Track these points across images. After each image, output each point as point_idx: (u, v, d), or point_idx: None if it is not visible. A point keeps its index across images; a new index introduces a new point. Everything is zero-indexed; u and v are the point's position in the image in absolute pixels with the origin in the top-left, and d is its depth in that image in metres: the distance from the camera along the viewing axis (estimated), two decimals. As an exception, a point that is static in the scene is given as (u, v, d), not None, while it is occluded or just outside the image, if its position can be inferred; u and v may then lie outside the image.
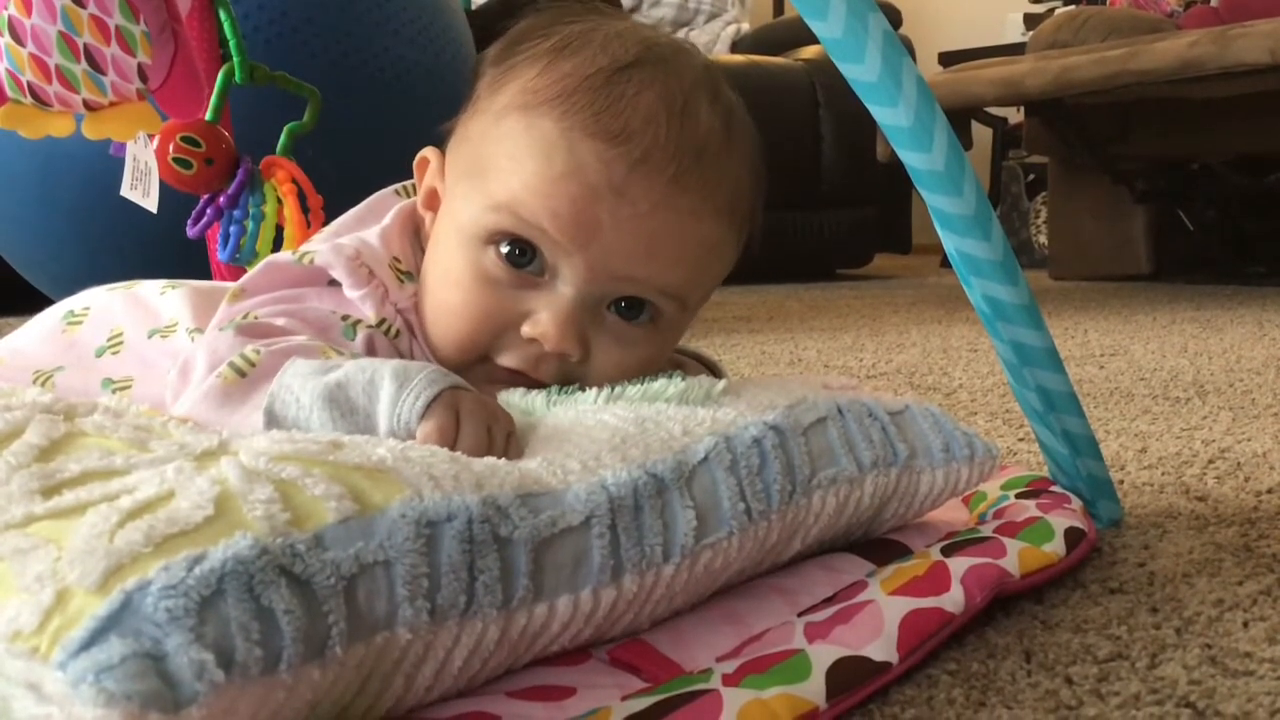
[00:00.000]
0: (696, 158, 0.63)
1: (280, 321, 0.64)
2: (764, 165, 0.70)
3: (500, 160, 0.64)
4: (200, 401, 0.60)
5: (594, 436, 0.54)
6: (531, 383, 0.65)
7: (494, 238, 0.64)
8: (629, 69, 0.63)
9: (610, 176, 0.61)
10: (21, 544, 0.40)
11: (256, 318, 0.65)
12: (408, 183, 0.75)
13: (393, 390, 0.55)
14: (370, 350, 0.65)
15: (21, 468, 0.45)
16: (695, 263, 0.66)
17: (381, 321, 0.66)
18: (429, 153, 0.71)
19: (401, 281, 0.68)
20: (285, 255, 0.70)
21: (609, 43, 0.64)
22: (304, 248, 0.69)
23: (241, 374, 0.59)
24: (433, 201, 0.70)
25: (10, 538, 0.40)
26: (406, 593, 0.42)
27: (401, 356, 0.67)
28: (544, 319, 0.63)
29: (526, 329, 0.64)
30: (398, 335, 0.67)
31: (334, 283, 0.67)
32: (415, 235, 0.72)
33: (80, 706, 0.34)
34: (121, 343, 0.77)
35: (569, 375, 0.65)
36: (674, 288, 0.65)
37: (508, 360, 0.65)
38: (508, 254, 0.63)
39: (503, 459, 0.51)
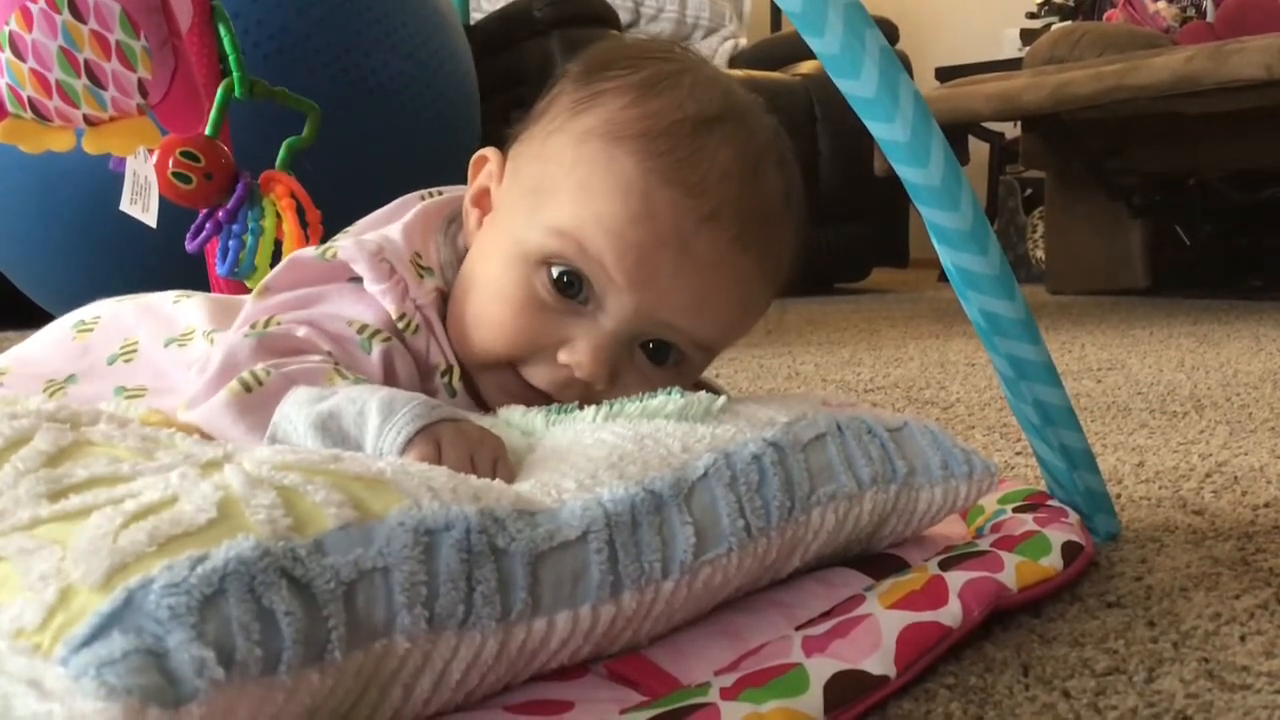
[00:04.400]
0: (761, 221, 0.66)
1: (301, 332, 0.66)
2: (806, 233, 0.72)
3: (571, 186, 0.65)
4: (207, 405, 0.61)
5: (591, 455, 0.54)
6: (546, 400, 0.66)
7: (550, 261, 0.65)
8: (713, 122, 0.65)
9: (680, 227, 0.63)
10: (27, 544, 0.40)
11: (279, 323, 0.66)
12: (432, 190, 0.76)
13: (377, 423, 0.56)
14: (388, 364, 0.66)
15: (29, 473, 0.46)
16: (734, 322, 0.69)
17: (401, 316, 0.67)
18: (488, 152, 0.72)
19: (421, 277, 0.69)
20: (309, 251, 0.71)
21: (696, 90, 0.66)
22: (328, 243, 0.70)
23: (248, 389, 0.61)
24: (483, 200, 0.71)
25: (16, 539, 0.41)
26: (405, 600, 0.42)
27: (418, 354, 0.68)
28: (581, 348, 0.64)
29: (563, 355, 0.65)
30: (416, 331, 0.68)
31: (356, 278, 0.68)
32: (440, 231, 0.73)
33: (81, 700, 0.34)
34: (135, 350, 0.77)
35: (588, 400, 0.65)
36: (708, 341, 0.68)
37: (537, 378, 0.66)
38: (557, 279, 0.65)
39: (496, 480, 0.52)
